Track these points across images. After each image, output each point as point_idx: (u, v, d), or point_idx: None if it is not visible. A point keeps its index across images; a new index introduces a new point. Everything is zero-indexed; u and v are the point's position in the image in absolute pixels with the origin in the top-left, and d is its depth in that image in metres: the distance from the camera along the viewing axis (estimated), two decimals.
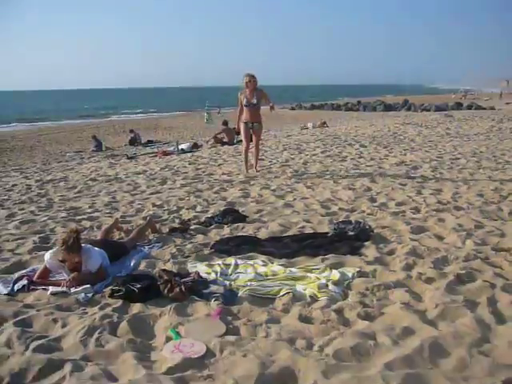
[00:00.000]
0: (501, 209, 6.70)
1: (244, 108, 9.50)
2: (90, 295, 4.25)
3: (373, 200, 7.44)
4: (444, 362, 3.07)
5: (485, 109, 38.94)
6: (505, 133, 16.90)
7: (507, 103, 43.76)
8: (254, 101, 9.37)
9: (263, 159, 12.08)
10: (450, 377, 2.90)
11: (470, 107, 42.13)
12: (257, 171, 9.92)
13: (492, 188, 8.02)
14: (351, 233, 5.63)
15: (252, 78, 9.29)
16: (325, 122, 25.62)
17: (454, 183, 8.51)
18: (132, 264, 4.98)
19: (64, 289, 4.33)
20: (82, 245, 4.59)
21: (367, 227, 5.79)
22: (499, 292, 4.01)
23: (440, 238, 5.60)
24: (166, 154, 15.27)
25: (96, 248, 4.80)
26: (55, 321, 3.78)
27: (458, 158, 11.27)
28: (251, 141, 9.81)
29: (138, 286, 4.20)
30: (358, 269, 4.65)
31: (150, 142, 22.81)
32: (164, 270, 4.53)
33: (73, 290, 4.32)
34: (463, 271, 4.45)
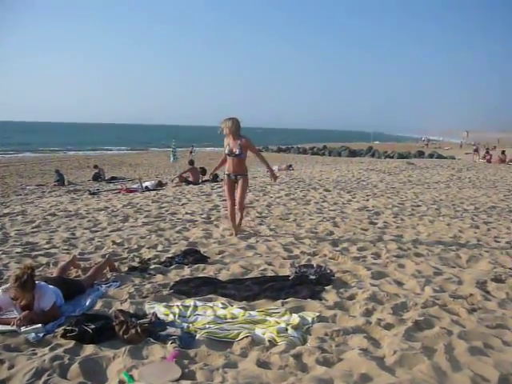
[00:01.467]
0: (459, 256, 6.81)
1: (227, 157, 7.86)
2: (41, 335, 4.10)
3: (335, 244, 7.48)
4: None
5: (445, 158, 40.01)
6: (464, 182, 17.34)
7: (467, 153, 45.03)
8: (237, 151, 7.69)
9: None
10: None
11: (431, 156, 43.26)
12: (236, 233, 8.01)
13: (451, 235, 8.16)
14: (312, 277, 5.63)
15: (229, 125, 7.64)
16: (290, 165, 25.89)
17: (414, 230, 8.63)
18: (87, 303, 4.85)
19: (14, 327, 4.17)
20: (36, 282, 4.45)
21: (328, 271, 5.80)
22: (456, 339, 4.04)
23: (400, 283, 5.63)
24: (129, 191, 15.15)
25: (50, 285, 4.67)
26: (2, 362, 3.64)
27: (419, 205, 11.46)
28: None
29: (92, 326, 4.09)
30: (317, 313, 4.62)
31: (113, 178, 22.63)
32: (120, 311, 4.42)
33: (23, 329, 4.16)
34: (421, 318, 4.48)
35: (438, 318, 4.53)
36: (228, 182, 8.01)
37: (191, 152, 43.96)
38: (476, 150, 37.21)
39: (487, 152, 33.95)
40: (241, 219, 8.16)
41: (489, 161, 30.60)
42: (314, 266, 5.92)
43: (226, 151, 7.81)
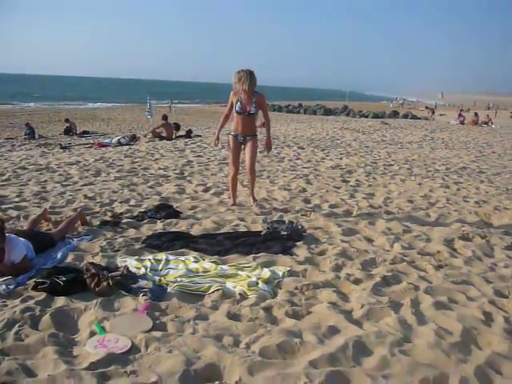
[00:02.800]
0: (428, 215, 6.94)
1: (236, 115, 6.78)
2: (11, 287, 4.09)
3: (307, 201, 7.54)
4: (366, 361, 3.15)
5: (420, 119, 40.23)
6: (436, 142, 17.51)
7: (441, 115, 45.34)
8: (252, 109, 6.65)
9: (201, 156, 12.02)
10: (370, 374, 2.97)
11: (405, 116, 43.42)
12: (254, 203, 7.13)
13: (421, 195, 8.29)
14: (284, 232, 5.69)
15: (249, 77, 6.47)
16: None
17: (385, 188, 8.74)
18: (59, 256, 4.84)
19: None
20: (6, 234, 4.41)
21: (300, 227, 5.86)
22: (422, 294, 4.16)
23: (369, 240, 5.73)
24: (101, 145, 14.96)
25: (21, 238, 4.63)
26: None
27: (391, 165, 11.57)
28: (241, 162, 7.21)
29: (64, 278, 4.08)
30: (288, 268, 4.69)
31: (85, 132, 22.30)
32: (92, 264, 4.41)
33: None
34: (389, 273, 4.59)
35: (405, 274, 4.64)
36: (234, 145, 6.95)
37: (170, 107, 43.36)
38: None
39: (460, 114, 34.23)
40: (253, 187, 7.21)
41: (462, 122, 30.87)
42: (286, 222, 5.98)
43: (237, 109, 6.66)
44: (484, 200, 8.05)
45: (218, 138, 7.15)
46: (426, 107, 42.59)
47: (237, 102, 6.66)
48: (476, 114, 32.36)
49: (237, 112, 6.72)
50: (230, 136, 6.99)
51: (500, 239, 5.87)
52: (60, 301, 3.90)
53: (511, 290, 4.32)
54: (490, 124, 30.42)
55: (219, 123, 7.14)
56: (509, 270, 4.86)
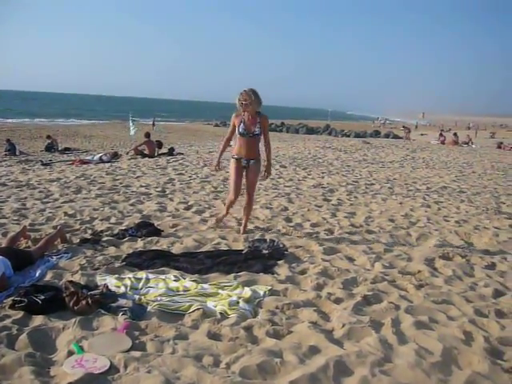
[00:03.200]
0: (409, 234, 6.97)
1: (239, 138, 6.37)
2: None
3: (289, 220, 7.54)
4: (347, 381, 3.14)
5: (401, 138, 40.64)
6: (417, 162, 17.68)
7: (421, 134, 45.85)
8: (257, 130, 6.28)
9: (183, 174, 12.00)
10: None
11: (387, 136, 43.84)
12: (243, 232, 6.63)
13: (402, 214, 8.34)
14: (265, 251, 5.68)
15: (254, 96, 6.15)
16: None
17: (367, 207, 8.78)
18: (37, 274, 4.77)
19: None
20: None
21: (281, 246, 5.86)
22: (403, 314, 4.16)
23: (351, 259, 5.74)
24: (83, 162, 14.86)
25: None
26: None
27: (373, 184, 11.65)
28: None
29: (42, 297, 4.03)
30: (269, 287, 4.68)
31: (67, 149, 22.14)
32: (71, 282, 4.37)
33: None
34: (370, 292, 4.59)
35: (386, 293, 4.65)
36: (237, 168, 6.45)
37: (153, 124, 43.27)
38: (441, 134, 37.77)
39: (441, 134, 34.66)
40: (247, 218, 6.78)
41: (443, 142, 31.25)
42: (267, 240, 5.97)
43: (240, 130, 6.25)
44: (464, 219, 8.12)
45: (219, 163, 6.72)
46: (404, 127, 43.24)
47: (240, 124, 6.28)
48: (456, 134, 32.80)
49: (240, 133, 6.29)
50: (233, 159, 6.47)
51: (480, 258, 5.92)
52: (38, 320, 3.84)
53: (491, 310, 4.35)
54: (470, 144, 30.84)
55: (220, 147, 6.73)
56: (489, 289, 4.89)
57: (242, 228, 6.70)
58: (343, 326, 3.87)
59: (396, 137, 42.59)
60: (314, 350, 3.50)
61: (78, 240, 5.96)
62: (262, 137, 6.41)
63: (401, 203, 9.35)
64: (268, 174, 6.65)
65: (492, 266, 5.71)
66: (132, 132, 22.79)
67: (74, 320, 3.82)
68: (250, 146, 6.36)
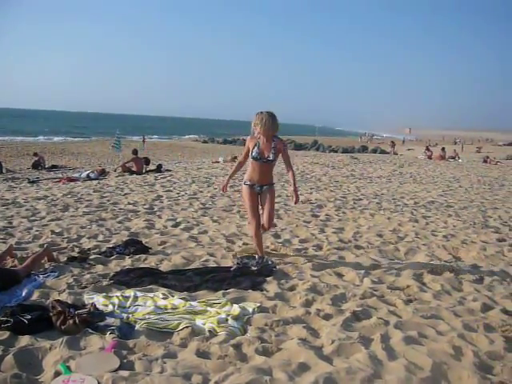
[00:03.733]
0: (398, 249, 6.99)
1: (252, 162, 5.96)
2: None
3: (277, 236, 7.54)
4: None
5: (388, 153, 40.91)
6: (405, 177, 17.78)
7: (408, 149, 46.18)
8: (271, 155, 5.85)
9: (171, 191, 11.97)
10: None
11: (374, 151, 44.15)
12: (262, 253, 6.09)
13: (390, 229, 8.37)
14: (254, 268, 5.67)
15: (271, 119, 5.76)
16: (236, 157, 25.88)
17: (355, 223, 8.80)
18: (24, 293, 4.72)
19: None
20: None
21: (270, 263, 5.84)
22: (392, 329, 4.16)
23: (339, 275, 5.74)
24: (70, 180, 14.80)
25: None
26: None
27: (361, 199, 11.69)
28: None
29: (28, 317, 3.98)
30: (258, 304, 4.66)
31: (54, 166, 22.06)
32: (58, 301, 4.32)
33: None
34: (359, 308, 4.58)
35: (375, 309, 4.65)
36: (251, 194, 6.01)
37: (143, 141, 43.30)
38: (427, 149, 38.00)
39: (428, 149, 34.93)
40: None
41: (430, 157, 31.47)
42: (256, 257, 5.95)
43: (253, 154, 5.85)
44: (452, 234, 8.16)
45: (227, 185, 6.29)
46: (391, 142, 43.78)
47: (254, 147, 5.88)
48: (443, 149, 33.05)
49: (253, 158, 5.88)
50: (245, 186, 6.04)
51: (468, 273, 5.94)
52: (24, 340, 3.79)
53: (480, 324, 4.35)
54: (456, 158, 31.08)
55: (232, 170, 6.47)
56: (477, 303, 4.90)
57: (260, 251, 6.07)
58: (332, 342, 3.86)
59: (383, 152, 42.91)
60: (304, 367, 3.48)
61: (65, 258, 5.92)
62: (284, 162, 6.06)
63: (389, 218, 9.38)
64: (296, 199, 6.08)
65: (480, 280, 5.73)
66: (117, 149, 22.73)
67: (61, 340, 3.77)
68: (263, 171, 5.96)
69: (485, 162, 29.23)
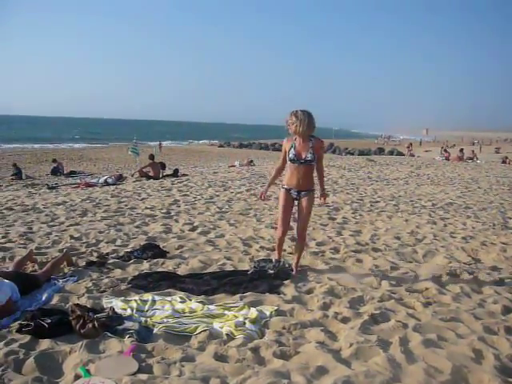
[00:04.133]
0: (416, 251, 6.94)
1: (289, 165, 5.55)
2: None
3: (294, 239, 7.49)
4: None
5: (405, 155, 40.66)
6: (422, 178, 17.65)
7: (426, 151, 45.88)
8: (309, 156, 5.43)
9: (188, 195, 12.00)
10: None
11: (391, 153, 43.91)
12: (295, 271, 5.80)
13: (408, 231, 8.31)
14: (271, 271, 5.66)
15: (307, 118, 5.35)
16: (251, 161, 25.93)
17: (372, 225, 8.76)
18: (44, 298, 4.77)
19: None
20: None
21: (287, 266, 5.84)
22: (411, 332, 4.13)
23: (358, 276, 5.71)
24: (88, 185, 14.93)
25: (6, 280, 4.58)
26: None
27: (378, 201, 11.62)
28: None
29: (49, 320, 4.03)
30: (275, 307, 4.66)
31: (73, 172, 22.28)
32: (77, 305, 4.36)
33: None
34: (377, 311, 4.56)
35: (393, 312, 4.61)
36: (286, 200, 5.62)
37: (160, 146, 43.55)
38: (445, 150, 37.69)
39: (445, 150, 34.68)
40: (299, 255, 5.85)
41: (447, 158, 31.24)
42: (273, 260, 5.95)
43: (290, 156, 5.45)
44: (471, 235, 8.08)
45: (266, 192, 5.91)
46: (411, 144, 43.55)
47: (290, 149, 5.47)
48: (461, 150, 32.78)
49: (290, 160, 5.48)
50: (282, 190, 5.66)
51: (488, 275, 5.88)
52: (44, 343, 3.84)
53: (500, 327, 4.30)
54: (474, 159, 30.81)
55: (271, 176, 6.00)
56: (498, 305, 4.85)
57: (293, 266, 5.85)
58: (351, 345, 3.85)
59: (400, 154, 42.65)
60: (322, 371, 3.47)
61: (84, 263, 5.97)
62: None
63: (406, 220, 9.32)
64: (324, 198, 5.80)
65: (500, 282, 5.67)
66: (135, 154, 22.92)
67: (80, 343, 3.81)
68: (302, 174, 5.51)
69: (504, 162, 28.94)
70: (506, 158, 30.34)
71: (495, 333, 4.21)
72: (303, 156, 5.43)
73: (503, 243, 7.57)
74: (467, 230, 8.63)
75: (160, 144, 45.00)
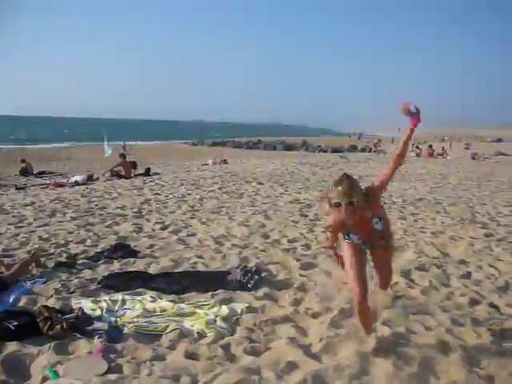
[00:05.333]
0: None
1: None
2: None
3: (266, 237, 7.53)
4: None
5: (376, 152, 41.00)
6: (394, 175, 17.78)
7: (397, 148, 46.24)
8: (378, 225, 3.98)
9: (159, 194, 11.92)
10: None
11: (363, 150, 44.19)
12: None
13: None
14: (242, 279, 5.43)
15: (344, 188, 3.70)
16: (225, 160, 25.86)
17: None
18: (11, 300, 4.71)
19: None
20: None
21: (256, 277, 5.53)
22: (380, 325, 4.16)
23: (328, 273, 5.74)
24: (58, 185, 14.72)
25: None
26: None
27: None
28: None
29: (15, 323, 3.98)
30: (247, 304, 4.66)
31: (42, 172, 21.92)
32: (45, 307, 4.31)
33: None
34: (347, 306, 4.59)
35: None
36: (355, 252, 3.99)
37: (124, 148, 42.86)
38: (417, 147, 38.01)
39: (417, 147, 35.05)
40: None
41: (418, 155, 31.59)
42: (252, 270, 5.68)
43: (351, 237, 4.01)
44: (440, 230, 8.19)
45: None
46: (380, 140, 43.93)
47: (339, 224, 4.01)
48: (430, 146, 33.17)
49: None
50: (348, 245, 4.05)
51: (456, 268, 5.98)
52: (11, 346, 3.79)
53: (467, 319, 4.38)
54: (445, 156, 31.22)
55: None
56: (465, 298, 4.94)
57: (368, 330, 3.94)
58: (321, 340, 3.88)
59: (372, 150, 42.98)
60: (292, 366, 3.49)
61: (53, 264, 5.88)
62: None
63: None
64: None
65: (468, 276, 5.77)
66: (108, 153, 22.63)
67: (48, 345, 3.78)
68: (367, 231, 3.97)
69: (473, 158, 29.40)
70: (476, 154, 30.81)
71: (462, 325, 4.28)
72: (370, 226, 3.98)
73: (471, 237, 7.69)
74: (436, 224, 8.75)
75: (124, 145, 43.94)
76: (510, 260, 6.46)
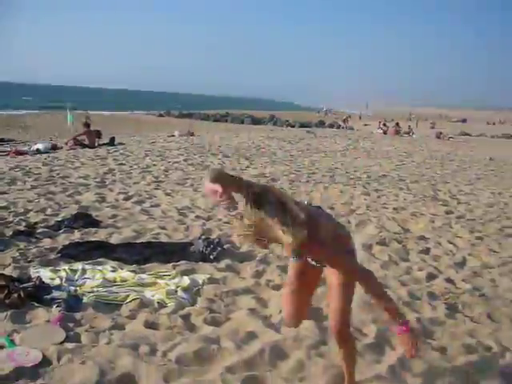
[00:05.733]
0: (349, 221, 7.09)
1: None
2: None
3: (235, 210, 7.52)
4: (283, 364, 3.19)
5: (344, 128, 41.23)
6: (359, 151, 17.97)
7: (365, 125, 46.64)
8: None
9: (123, 164, 11.76)
10: (286, 378, 3.00)
11: (331, 126, 44.37)
12: None
13: (342, 202, 8.46)
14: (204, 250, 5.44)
15: None
16: (192, 132, 25.63)
17: (308, 196, 8.87)
18: None
19: None
20: None
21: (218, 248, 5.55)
22: None
23: None
24: (19, 153, 14.37)
25: None
26: None
27: (315, 173, 11.76)
28: None
29: None
30: (208, 275, 4.67)
31: (1, 140, 21.37)
32: (2, 275, 4.23)
33: None
34: None
35: (323, 278, 4.69)
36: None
37: (88, 116, 41.87)
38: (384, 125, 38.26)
39: (384, 124, 35.35)
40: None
41: (385, 132, 31.87)
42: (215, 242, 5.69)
43: None
44: (402, 207, 8.33)
45: None
46: (349, 117, 44.12)
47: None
48: (397, 124, 33.51)
49: None
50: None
51: (415, 244, 6.10)
52: None
53: (424, 293, 4.48)
54: (411, 134, 31.58)
55: None
56: (423, 272, 5.06)
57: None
58: (281, 311, 3.90)
59: (340, 127, 43.21)
60: (252, 336, 3.53)
61: (11, 232, 5.75)
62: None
63: (341, 191, 9.49)
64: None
65: (427, 251, 5.89)
66: (69, 121, 22.11)
67: (5, 314, 3.71)
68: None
69: (438, 137, 29.81)
70: (440, 133, 31.24)
71: (418, 298, 4.38)
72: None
73: (432, 214, 7.85)
74: (399, 201, 8.89)
75: (87, 114, 42.76)
76: (468, 237, 6.63)
